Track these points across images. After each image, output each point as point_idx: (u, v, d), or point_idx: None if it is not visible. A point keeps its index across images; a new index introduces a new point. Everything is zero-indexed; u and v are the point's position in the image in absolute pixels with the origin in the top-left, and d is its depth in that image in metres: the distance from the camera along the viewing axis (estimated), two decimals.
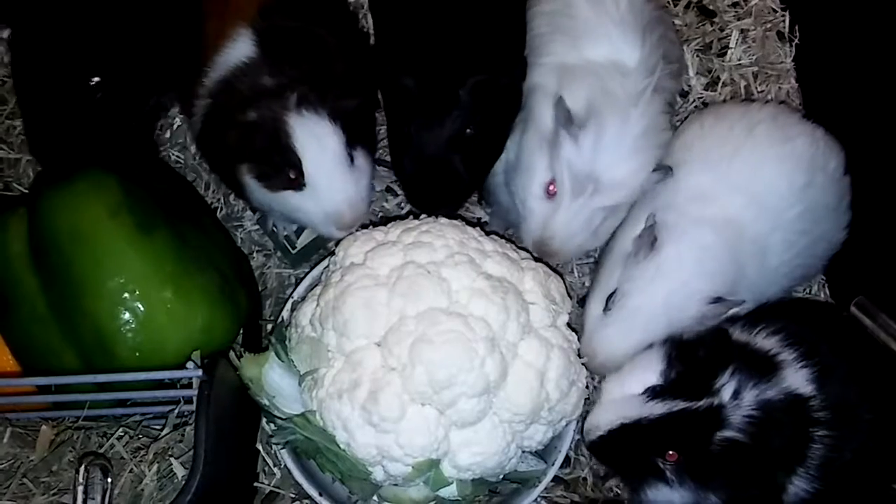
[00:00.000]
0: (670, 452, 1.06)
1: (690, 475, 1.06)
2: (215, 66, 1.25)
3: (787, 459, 1.06)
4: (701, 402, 1.05)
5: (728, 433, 1.04)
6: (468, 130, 1.20)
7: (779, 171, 1.21)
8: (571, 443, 1.19)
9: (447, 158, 1.20)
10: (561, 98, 1.18)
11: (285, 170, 1.19)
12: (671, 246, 1.15)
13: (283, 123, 1.17)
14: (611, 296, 1.18)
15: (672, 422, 1.06)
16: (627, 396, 1.10)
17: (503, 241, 1.18)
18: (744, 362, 1.08)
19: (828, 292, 1.40)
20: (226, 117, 1.22)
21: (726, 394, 1.05)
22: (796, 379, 1.08)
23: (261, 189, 1.23)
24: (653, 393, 1.08)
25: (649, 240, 1.16)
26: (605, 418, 1.10)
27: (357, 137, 1.23)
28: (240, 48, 1.24)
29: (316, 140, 1.18)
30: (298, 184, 1.19)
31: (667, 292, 1.15)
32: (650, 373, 1.11)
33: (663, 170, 1.21)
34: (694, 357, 1.09)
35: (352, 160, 1.21)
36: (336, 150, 1.19)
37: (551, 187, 1.20)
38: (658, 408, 1.06)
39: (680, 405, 1.06)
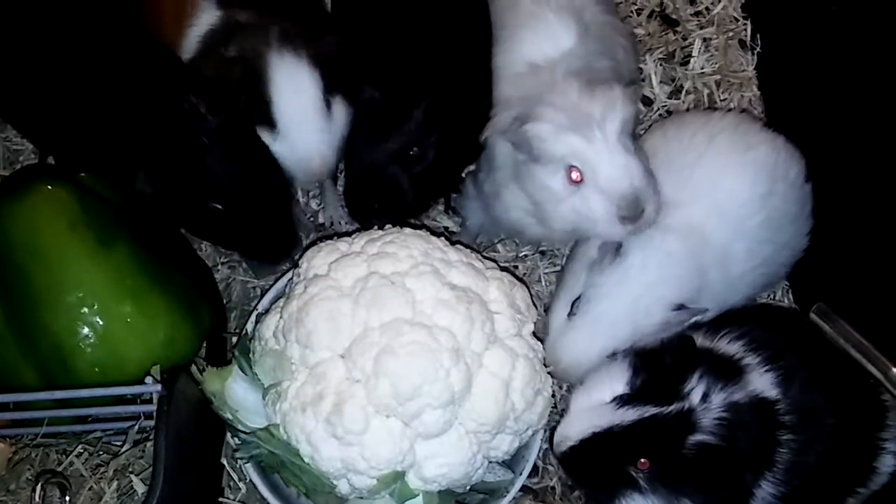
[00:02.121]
0: (642, 460, 1.05)
1: (663, 482, 1.06)
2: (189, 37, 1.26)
3: (755, 462, 1.07)
4: (671, 407, 1.05)
5: (700, 436, 1.04)
6: (414, 149, 1.20)
7: (740, 179, 1.21)
8: (539, 452, 1.19)
9: (388, 171, 1.20)
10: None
11: (261, 106, 1.18)
12: (637, 252, 1.16)
13: (262, 61, 1.17)
14: (575, 301, 1.18)
15: (644, 428, 1.05)
16: (596, 405, 1.10)
17: (468, 250, 1.18)
18: (710, 366, 1.08)
19: (791, 298, 1.41)
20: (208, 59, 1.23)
21: (696, 397, 1.06)
22: (761, 383, 1.09)
23: None
24: (622, 401, 1.08)
25: (614, 246, 1.16)
26: (576, 428, 1.09)
27: (336, 84, 1.22)
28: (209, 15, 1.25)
29: (292, 82, 1.18)
30: (272, 123, 1.19)
31: (632, 298, 1.15)
32: (617, 382, 1.11)
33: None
34: (660, 364, 1.10)
35: (329, 107, 1.21)
36: (312, 94, 1.19)
37: None
38: (629, 414, 1.06)
39: (651, 411, 1.06)
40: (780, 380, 1.10)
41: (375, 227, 1.18)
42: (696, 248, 1.17)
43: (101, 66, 1.23)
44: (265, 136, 1.21)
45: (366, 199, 1.22)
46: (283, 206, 1.24)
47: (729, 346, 1.13)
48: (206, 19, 1.26)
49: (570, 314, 1.18)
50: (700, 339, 1.14)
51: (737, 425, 1.05)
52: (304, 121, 1.19)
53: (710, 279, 1.18)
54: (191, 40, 1.27)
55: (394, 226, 1.18)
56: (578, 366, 1.16)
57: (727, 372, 1.09)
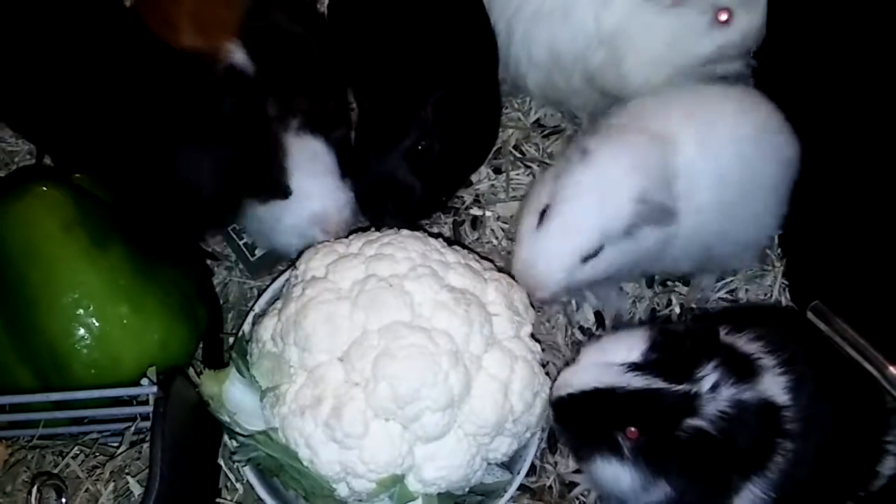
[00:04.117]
0: (632, 429, 1.04)
1: (646, 457, 1.05)
2: None
3: (747, 463, 1.07)
4: (680, 387, 1.04)
5: (698, 422, 1.03)
6: (423, 143, 1.22)
7: (730, 129, 1.21)
8: (537, 451, 1.19)
9: (400, 171, 1.23)
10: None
11: (275, 178, 1.24)
12: (604, 148, 1.14)
13: (279, 143, 1.25)
14: (543, 211, 1.16)
15: (646, 398, 1.04)
16: (607, 363, 1.08)
17: (466, 252, 1.17)
18: (727, 359, 1.07)
19: (788, 296, 1.41)
20: None
21: (706, 384, 1.04)
22: (774, 386, 1.07)
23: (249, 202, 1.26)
24: (633, 367, 1.06)
25: (581, 147, 1.15)
26: (580, 379, 1.07)
27: (345, 167, 1.29)
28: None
29: (310, 155, 1.26)
30: (285, 192, 1.24)
31: (599, 194, 1.12)
32: (633, 350, 1.09)
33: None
34: (680, 345, 1.08)
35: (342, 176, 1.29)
36: (329, 162, 1.27)
37: None
38: (636, 381, 1.04)
39: (658, 383, 1.04)
40: (792, 386, 1.08)
41: (389, 227, 1.19)
42: (666, 154, 1.16)
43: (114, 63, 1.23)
44: (273, 207, 1.26)
45: (380, 200, 1.25)
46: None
47: (749, 345, 1.11)
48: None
49: (539, 225, 1.16)
50: (722, 335, 1.12)
51: (738, 423, 1.03)
52: (320, 179, 1.27)
53: (676, 191, 1.17)
54: None
55: (407, 224, 1.19)
56: (552, 273, 1.15)
57: (743, 369, 1.07)
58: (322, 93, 1.32)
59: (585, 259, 1.15)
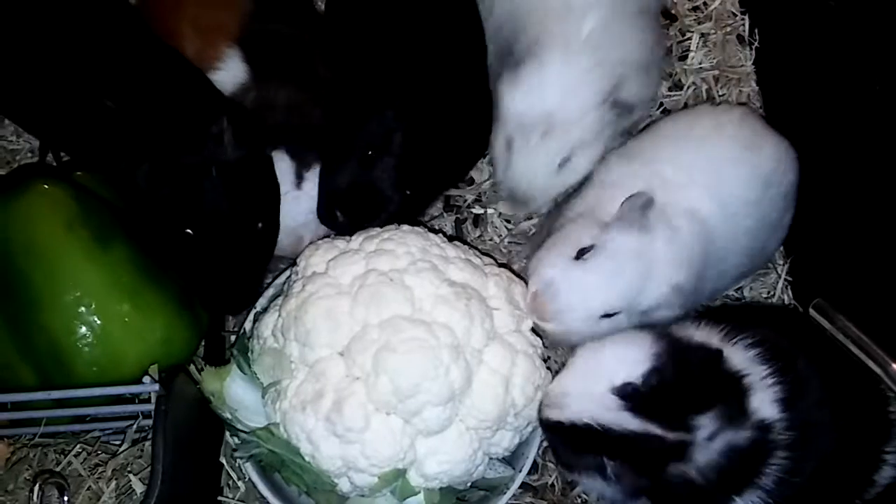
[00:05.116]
0: (621, 462, 1.04)
1: (629, 482, 1.04)
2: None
3: (732, 490, 1.06)
4: (674, 435, 1.01)
5: (687, 469, 1.01)
6: (370, 152, 1.19)
7: (740, 175, 1.21)
8: (539, 448, 1.18)
9: (351, 187, 1.20)
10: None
11: None
12: (664, 227, 1.14)
13: None
14: (583, 249, 1.13)
15: (639, 441, 1.02)
16: (601, 391, 1.04)
17: (466, 247, 1.17)
18: (726, 406, 1.03)
19: (790, 294, 1.41)
20: None
21: (701, 434, 1.01)
22: (766, 403, 1.05)
23: None
24: (629, 398, 1.03)
25: (643, 215, 1.13)
26: (574, 408, 1.04)
27: (312, 158, 1.24)
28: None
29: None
30: None
31: (649, 265, 1.12)
32: (634, 367, 1.05)
33: (624, 107, 1.22)
34: (683, 369, 1.04)
35: (301, 181, 1.24)
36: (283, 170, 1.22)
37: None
38: (631, 423, 1.01)
39: (653, 430, 1.01)
40: (787, 396, 1.06)
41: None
42: (706, 244, 1.17)
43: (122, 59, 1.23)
44: None
45: (344, 215, 1.22)
46: (253, 261, 1.21)
47: (745, 356, 1.09)
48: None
49: (578, 258, 1.13)
50: (717, 341, 1.10)
51: (728, 471, 1.02)
52: None
53: (707, 273, 1.18)
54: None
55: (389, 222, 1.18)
56: (575, 312, 1.12)
57: (738, 409, 1.04)
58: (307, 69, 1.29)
59: (605, 315, 1.14)
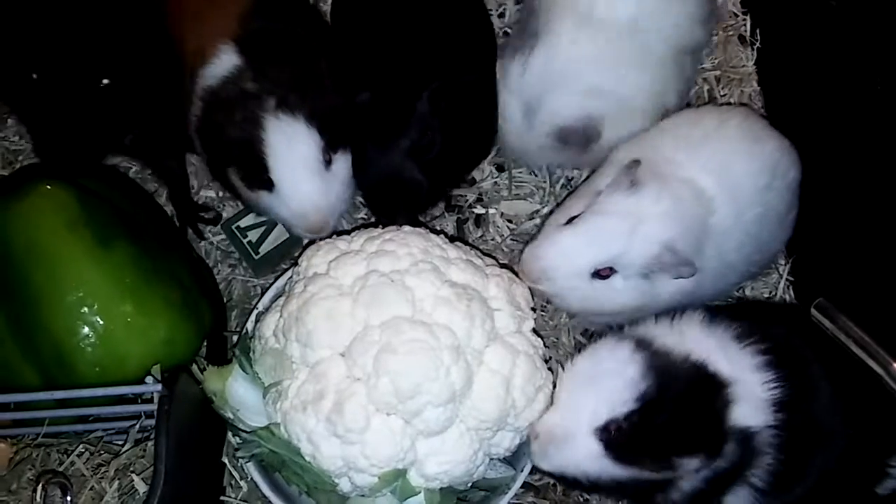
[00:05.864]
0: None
1: None
2: (203, 77, 1.26)
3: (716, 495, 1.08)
4: (658, 475, 1.03)
5: (672, 495, 1.05)
6: (426, 137, 1.21)
7: (746, 166, 1.22)
8: None
9: (406, 169, 1.22)
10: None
11: (258, 172, 1.21)
12: (653, 185, 1.15)
13: (259, 127, 1.19)
14: (574, 217, 1.17)
15: (626, 485, 1.05)
16: (584, 434, 1.04)
17: (467, 248, 1.17)
18: (712, 449, 1.02)
19: (792, 294, 1.41)
20: (214, 123, 1.24)
21: (686, 469, 1.02)
22: (753, 408, 1.04)
23: (245, 189, 1.26)
24: (613, 442, 1.02)
25: (630, 177, 1.15)
26: (559, 460, 1.06)
27: (339, 140, 1.24)
28: (225, 60, 1.25)
29: (287, 142, 1.19)
30: (270, 184, 1.21)
31: (635, 220, 1.14)
32: (616, 395, 1.03)
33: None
34: (668, 402, 1.02)
35: (329, 163, 1.23)
36: (306, 152, 1.20)
37: None
38: (616, 472, 1.03)
39: (638, 475, 1.03)
40: (784, 402, 1.06)
41: (399, 225, 1.19)
42: (703, 210, 1.18)
43: None
44: (264, 199, 1.24)
45: (388, 199, 1.25)
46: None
47: (748, 359, 1.08)
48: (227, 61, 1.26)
49: (567, 224, 1.17)
50: (717, 345, 1.10)
51: (711, 490, 1.05)
52: (297, 176, 1.21)
53: (706, 252, 1.18)
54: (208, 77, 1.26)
55: (415, 221, 1.20)
56: (560, 267, 1.15)
57: (722, 444, 1.03)
58: (308, 56, 1.28)
59: (595, 274, 1.16)
